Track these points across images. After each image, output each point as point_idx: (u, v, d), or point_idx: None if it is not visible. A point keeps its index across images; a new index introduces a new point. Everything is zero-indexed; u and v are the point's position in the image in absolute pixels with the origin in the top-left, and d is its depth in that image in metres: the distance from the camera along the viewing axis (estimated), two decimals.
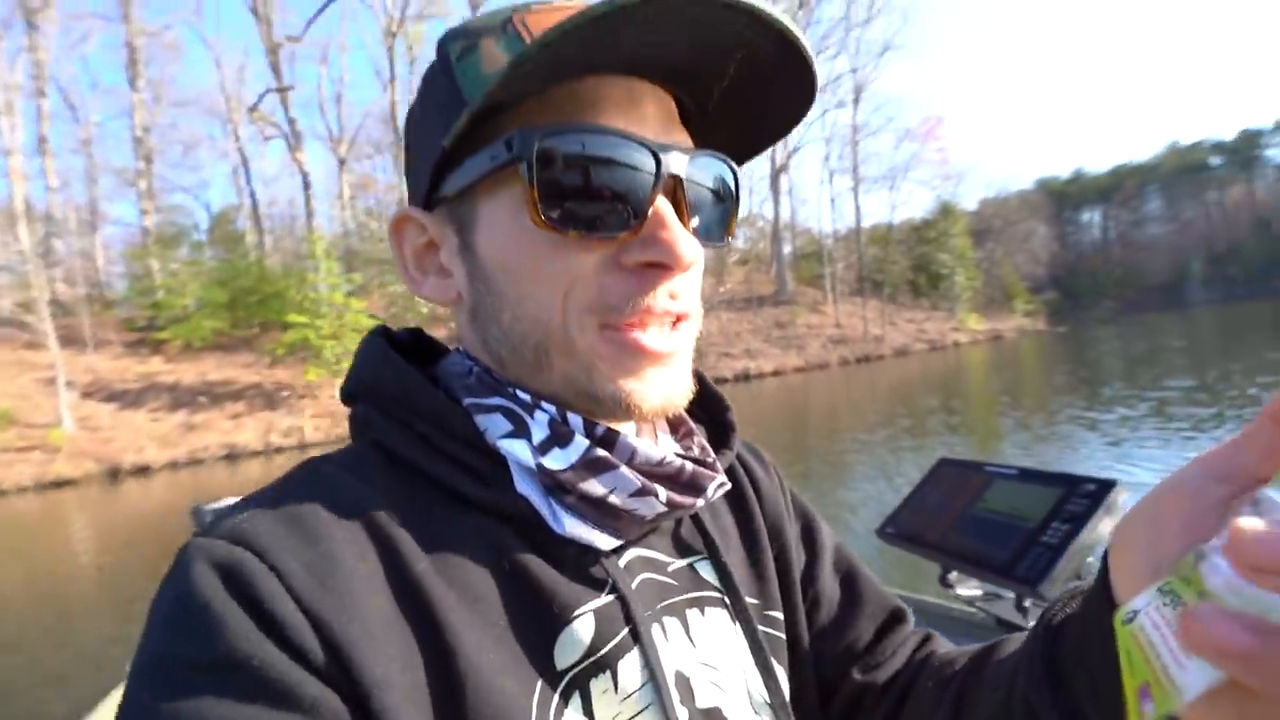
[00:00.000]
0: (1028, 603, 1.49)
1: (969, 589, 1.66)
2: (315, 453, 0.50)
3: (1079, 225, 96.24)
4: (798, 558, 0.63)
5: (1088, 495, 1.40)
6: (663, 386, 0.46)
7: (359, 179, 43.73)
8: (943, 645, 0.62)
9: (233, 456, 23.37)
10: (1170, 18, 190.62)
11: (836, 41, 41.94)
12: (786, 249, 42.57)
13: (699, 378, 0.54)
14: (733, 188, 0.50)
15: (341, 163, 41.28)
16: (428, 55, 0.51)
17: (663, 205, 0.44)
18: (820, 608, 0.62)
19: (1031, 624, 1.59)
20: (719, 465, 0.54)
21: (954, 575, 1.65)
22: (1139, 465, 6.96)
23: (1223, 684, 0.22)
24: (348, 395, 0.52)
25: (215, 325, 29.02)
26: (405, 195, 0.56)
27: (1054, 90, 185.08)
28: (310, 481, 0.44)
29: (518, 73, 0.39)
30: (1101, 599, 0.33)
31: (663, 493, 0.47)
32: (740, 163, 0.52)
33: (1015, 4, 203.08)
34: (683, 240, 0.43)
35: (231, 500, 3.28)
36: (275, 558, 0.38)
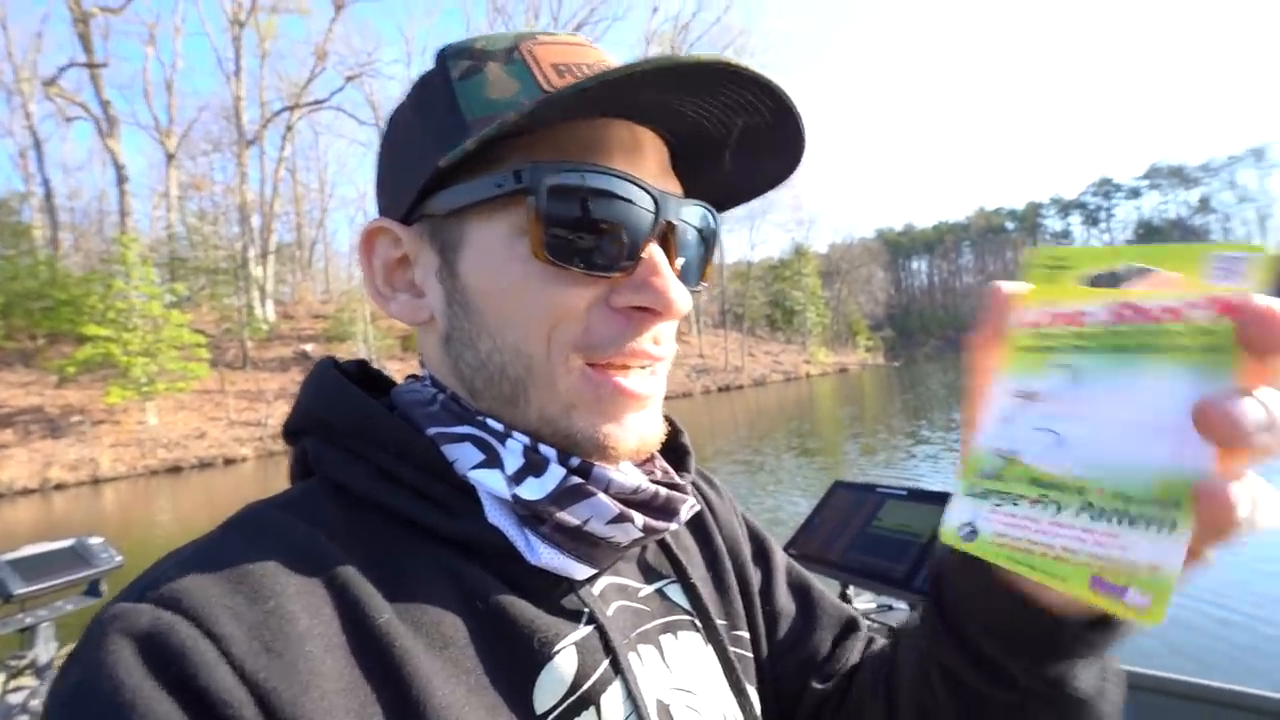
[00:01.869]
0: None
1: (864, 603, 1.74)
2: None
3: (910, 272, 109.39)
4: (754, 577, 0.63)
5: None
6: (639, 430, 0.46)
7: (190, 177, 38.94)
8: (881, 643, 0.64)
9: None
10: (977, 99, 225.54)
11: None
12: None
13: None
14: (713, 236, 0.50)
15: (170, 157, 36.48)
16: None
17: (656, 251, 0.44)
18: (778, 624, 0.62)
19: None
20: (688, 488, 0.53)
21: (851, 590, 1.72)
22: None
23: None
24: (291, 432, 0.48)
25: None
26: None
27: (891, 151, 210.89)
28: (252, 528, 0.40)
29: (543, 112, 0.39)
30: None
31: (639, 518, 0.45)
32: (720, 211, 0.52)
33: (853, 75, 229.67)
34: (675, 288, 0.43)
35: (35, 547, 2.51)
36: (212, 622, 0.33)
